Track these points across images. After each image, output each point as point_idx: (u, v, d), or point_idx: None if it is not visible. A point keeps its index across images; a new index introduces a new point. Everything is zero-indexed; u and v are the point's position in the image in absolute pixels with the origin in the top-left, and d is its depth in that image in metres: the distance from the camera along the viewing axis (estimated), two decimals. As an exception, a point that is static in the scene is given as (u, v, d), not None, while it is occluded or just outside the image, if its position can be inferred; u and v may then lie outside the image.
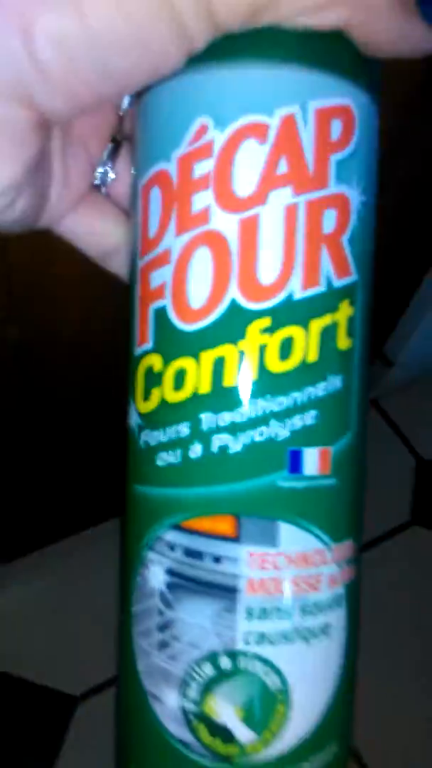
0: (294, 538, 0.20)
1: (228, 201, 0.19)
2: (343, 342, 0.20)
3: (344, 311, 0.20)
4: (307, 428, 0.20)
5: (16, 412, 0.57)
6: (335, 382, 0.20)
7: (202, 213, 0.20)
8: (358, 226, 0.20)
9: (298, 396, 0.20)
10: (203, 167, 0.20)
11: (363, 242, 0.21)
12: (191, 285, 0.20)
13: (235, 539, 0.20)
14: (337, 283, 0.20)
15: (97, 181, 0.25)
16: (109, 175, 0.25)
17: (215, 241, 0.20)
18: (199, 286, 0.20)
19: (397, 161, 0.53)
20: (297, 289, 0.20)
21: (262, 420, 0.20)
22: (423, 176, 0.59)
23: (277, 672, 0.20)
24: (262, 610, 0.20)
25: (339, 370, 0.20)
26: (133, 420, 0.22)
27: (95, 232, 0.25)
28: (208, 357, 0.20)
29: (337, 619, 0.21)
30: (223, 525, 0.20)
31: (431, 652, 0.74)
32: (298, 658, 0.20)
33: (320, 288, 0.20)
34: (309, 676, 0.21)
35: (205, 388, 0.20)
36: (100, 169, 0.25)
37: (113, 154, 0.25)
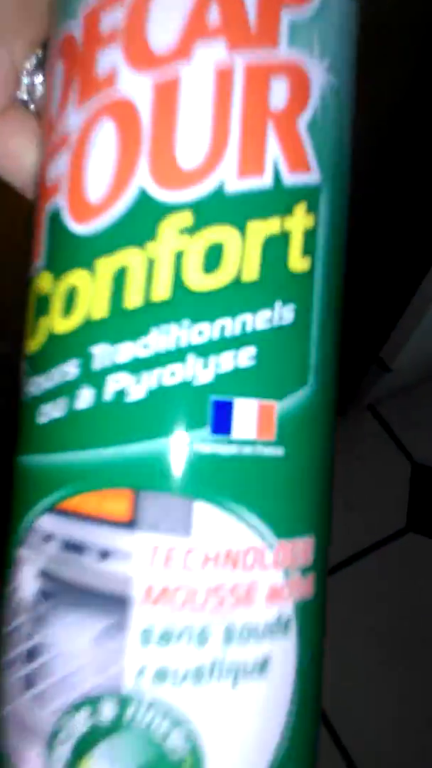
0: (215, 527, 0.14)
1: (140, 57, 0.15)
2: (296, 261, 0.15)
3: (299, 220, 0.15)
4: (241, 372, 0.14)
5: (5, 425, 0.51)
6: (284, 313, 0.15)
7: (107, 76, 0.15)
8: (323, 112, 0.15)
9: (229, 324, 0.14)
10: (112, 19, 0.15)
11: (332, 135, 0.16)
12: (90, 173, 0.15)
13: (129, 524, 0.14)
14: (290, 178, 0.15)
15: (23, 95, 0.21)
16: (37, 88, 0.21)
17: (122, 112, 0.15)
18: (99, 174, 0.15)
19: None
20: (230, 177, 0.14)
21: (175, 355, 0.14)
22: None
23: (184, 726, 0.14)
24: (163, 634, 0.14)
25: (290, 298, 0.15)
26: (23, 368, 0.17)
27: (10, 153, 0.20)
28: (105, 267, 0.14)
29: (281, 651, 0.15)
30: (114, 504, 0.14)
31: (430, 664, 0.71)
32: (217, 706, 0.14)
33: (264, 181, 0.15)
34: (235, 733, 0.14)
35: (100, 311, 0.14)
36: (26, 80, 0.21)
37: (42, 64, 0.21)
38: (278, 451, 0.15)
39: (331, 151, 0.16)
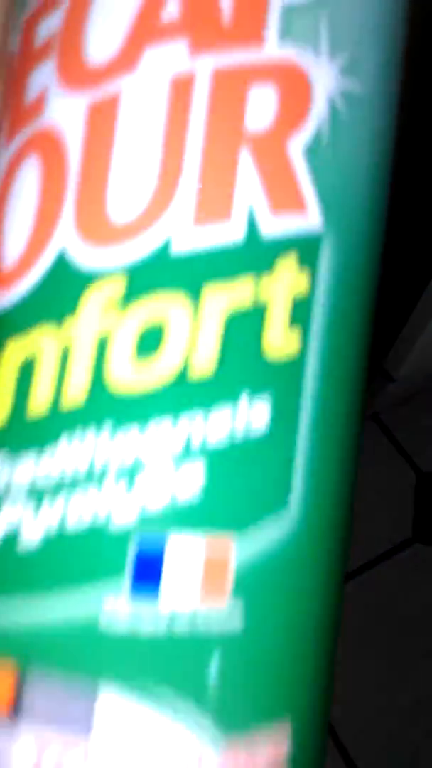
0: (127, 722, 0.10)
1: (73, 72, 0.11)
2: (278, 338, 0.10)
3: (286, 279, 0.10)
4: (178, 506, 0.10)
5: None
6: (253, 418, 0.10)
7: (37, 100, 0.11)
8: (333, 129, 0.11)
9: (163, 442, 0.10)
10: (49, 26, 0.12)
11: (347, 161, 0.11)
12: (9, 225, 0.12)
13: (10, 714, 0.10)
14: (272, 225, 0.10)
15: None
16: None
17: (48, 145, 0.11)
18: (16, 231, 0.11)
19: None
20: (180, 229, 0.10)
21: (87, 480, 0.10)
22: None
23: None
24: None
25: (263, 391, 0.10)
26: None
27: None
28: (13, 354, 0.11)
29: None
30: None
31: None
32: None
33: (230, 232, 0.10)
34: None
35: (1, 411, 0.11)
36: None
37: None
38: (233, 623, 0.10)
39: (346, 182, 0.11)
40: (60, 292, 0.10)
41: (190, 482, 0.10)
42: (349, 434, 0.11)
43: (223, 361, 0.10)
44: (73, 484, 0.10)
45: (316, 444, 0.11)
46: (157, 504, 0.10)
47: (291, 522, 0.10)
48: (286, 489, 0.10)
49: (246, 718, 0.10)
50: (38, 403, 0.10)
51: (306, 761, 0.11)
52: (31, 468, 0.10)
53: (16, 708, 0.10)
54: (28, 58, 0.11)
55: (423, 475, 0.86)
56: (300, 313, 0.10)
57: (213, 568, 0.10)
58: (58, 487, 0.10)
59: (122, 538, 0.10)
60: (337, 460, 0.11)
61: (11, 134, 0.12)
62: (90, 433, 0.10)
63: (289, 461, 0.10)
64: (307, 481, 0.11)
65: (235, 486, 0.10)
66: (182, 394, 0.10)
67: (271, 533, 0.10)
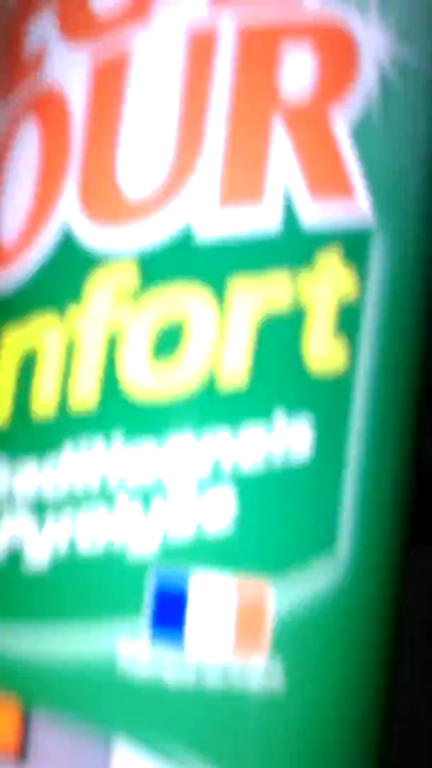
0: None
1: (75, 24, 0.09)
2: (322, 347, 0.09)
3: (329, 277, 0.09)
4: (205, 539, 0.09)
5: None
6: (293, 442, 0.09)
7: (36, 53, 0.10)
8: (385, 103, 0.09)
9: (185, 461, 0.09)
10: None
11: (400, 143, 0.10)
12: (8, 196, 0.10)
13: (17, 761, 0.08)
14: (313, 213, 0.09)
15: None
16: None
17: (48, 108, 0.10)
18: (17, 199, 0.10)
19: None
20: (203, 211, 0.09)
21: (98, 497, 0.09)
22: None
23: None
24: None
25: (304, 409, 0.09)
26: None
27: None
28: (13, 344, 0.09)
29: None
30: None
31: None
32: None
33: (263, 218, 0.09)
34: None
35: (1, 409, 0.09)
36: None
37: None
38: (272, 682, 0.09)
39: (401, 166, 0.10)
40: (63, 275, 0.09)
41: (219, 511, 0.08)
42: (404, 463, 0.10)
43: (256, 369, 0.08)
44: (81, 499, 0.08)
45: (368, 474, 0.09)
46: (180, 533, 0.08)
47: (338, 567, 0.09)
48: (333, 527, 0.09)
49: None
50: (42, 403, 0.09)
51: None
52: (34, 476, 0.08)
53: (22, 755, 0.08)
54: (26, 5, 0.10)
55: (424, 471, 0.87)
56: (347, 318, 0.09)
57: (247, 615, 0.08)
58: (63, 502, 0.08)
59: (140, 570, 0.08)
60: (391, 494, 0.09)
61: (8, 91, 0.10)
62: (99, 441, 0.08)
63: (336, 494, 0.09)
64: (358, 519, 0.09)
65: (271, 520, 0.08)
66: (209, 407, 0.08)
67: (315, 579, 0.09)
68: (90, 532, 0.08)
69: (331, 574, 0.09)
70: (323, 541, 0.09)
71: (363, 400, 0.09)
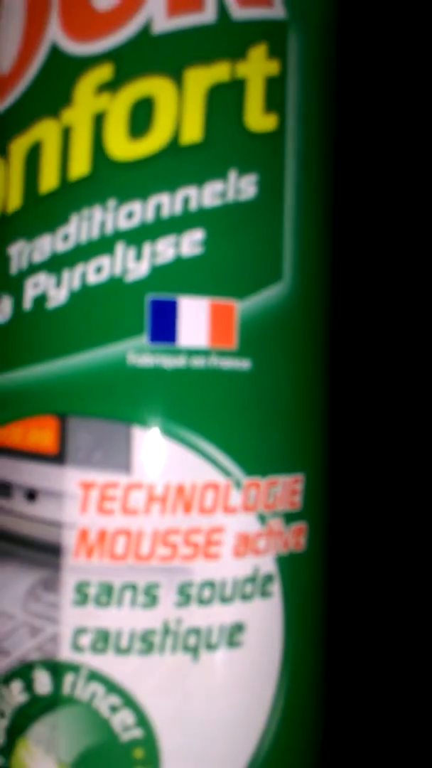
0: (162, 459, 0.11)
1: None
2: (256, 117, 0.12)
3: (257, 64, 0.12)
4: (186, 263, 0.11)
5: None
6: (243, 185, 0.12)
7: None
8: None
9: (166, 201, 0.11)
10: None
11: None
12: (3, 34, 0.12)
13: (56, 458, 0.11)
14: (240, 11, 0.12)
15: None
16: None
17: None
18: (9, 30, 0.12)
19: None
20: (158, 13, 0.11)
21: (100, 246, 0.11)
22: None
23: (133, 707, 0.11)
24: (103, 590, 0.11)
25: (250, 166, 0.12)
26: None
27: None
28: (18, 148, 0.12)
29: (260, 616, 0.12)
30: (39, 434, 0.12)
31: None
32: (173, 682, 0.11)
33: (204, 15, 0.12)
34: (198, 718, 0.11)
35: (14, 200, 0.12)
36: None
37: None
38: (243, 364, 0.11)
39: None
40: (54, 83, 0.11)
41: (191, 242, 0.11)
42: (327, 210, 0.13)
43: (208, 131, 0.11)
44: (87, 250, 0.11)
45: (301, 212, 0.12)
46: (164, 259, 0.11)
47: (285, 286, 0.12)
48: (279, 260, 0.12)
49: (262, 462, 0.12)
50: (48, 179, 0.11)
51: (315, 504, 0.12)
52: (48, 243, 0.11)
53: (61, 450, 0.11)
54: None
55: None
56: (274, 92, 0.12)
57: (219, 320, 0.11)
58: (74, 255, 0.11)
59: (138, 290, 0.11)
60: (320, 230, 0.12)
61: None
62: (97, 204, 0.11)
63: (280, 229, 0.12)
64: (296, 248, 0.12)
65: (233, 246, 0.11)
66: (175, 162, 0.11)
67: (267, 295, 0.12)
68: (97, 273, 0.11)
69: (281, 291, 0.12)
70: (273, 269, 0.12)
71: (295, 151, 0.12)
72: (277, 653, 0.12)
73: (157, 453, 0.11)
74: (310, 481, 0.12)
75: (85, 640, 0.11)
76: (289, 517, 0.12)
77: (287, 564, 0.12)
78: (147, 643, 0.11)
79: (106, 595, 0.11)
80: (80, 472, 0.11)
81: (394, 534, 0.19)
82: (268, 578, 0.12)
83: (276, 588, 0.12)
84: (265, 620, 0.12)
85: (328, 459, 0.13)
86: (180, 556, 0.11)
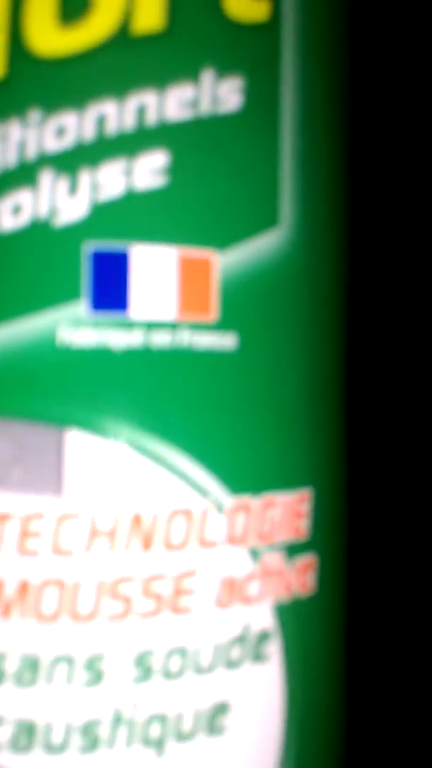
0: (109, 477, 0.08)
1: None
2: (239, 1, 0.09)
3: None
4: (141, 199, 0.08)
5: None
6: (221, 92, 0.08)
7: None
8: None
9: (112, 112, 0.08)
10: None
11: None
12: None
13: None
14: None
15: None
16: None
17: None
18: None
19: None
20: None
21: (19, 174, 0.08)
22: None
23: None
24: (26, 664, 0.08)
25: (230, 65, 0.08)
26: None
27: None
28: None
29: (249, 693, 0.09)
30: None
31: None
32: None
33: None
34: None
35: None
36: None
37: None
38: (225, 341, 0.08)
39: None
40: None
41: (149, 169, 0.08)
42: (341, 133, 0.10)
43: (174, 12, 0.08)
44: (1, 183, 0.08)
45: (304, 136, 0.09)
46: (111, 192, 0.08)
47: (284, 233, 0.09)
48: (274, 198, 0.09)
49: (254, 477, 0.09)
50: None
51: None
52: None
53: None
54: None
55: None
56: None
57: (191, 280, 0.08)
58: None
59: (73, 238, 0.08)
60: (333, 158, 0.09)
61: None
62: (13, 116, 0.08)
63: (274, 154, 0.08)
64: (300, 184, 0.09)
65: (209, 178, 0.08)
66: (124, 59, 0.08)
67: (259, 246, 0.08)
68: (15, 214, 0.08)
69: (278, 241, 0.08)
70: (267, 210, 0.08)
71: (292, 51, 0.08)
72: (276, 741, 0.09)
73: (102, 468, 0.08)
74: (320, 498, 0.09)
75: (2, 735, 0.08)
76: (293, 550, 0.09)
77: (290, 614, 0.09)
78: (90, 737, 0.08)
79: (31, 671, 0.08)
80: (-6, 495, 0.08)
81: (429, 569, 0.16)
82: (264, 636, 0.08)
83: (274, 649, 0.09)
84: (258, 695, 0.08)
85: (343, 470, 0.10)
86: (137, 613, 0.08)
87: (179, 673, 0.08)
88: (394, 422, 0.16)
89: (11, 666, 0.08)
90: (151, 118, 0.08)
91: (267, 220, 0.08)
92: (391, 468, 0.16)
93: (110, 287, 0.08)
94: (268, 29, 0.08)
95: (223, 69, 0.08)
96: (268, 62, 0.08)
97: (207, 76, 0.08)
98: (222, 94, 0.08)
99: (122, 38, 0.08)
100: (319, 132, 0.09)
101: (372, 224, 0.16)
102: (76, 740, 0.08)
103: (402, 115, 0.16)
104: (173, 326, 0.08)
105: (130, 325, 0.08)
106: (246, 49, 0.08)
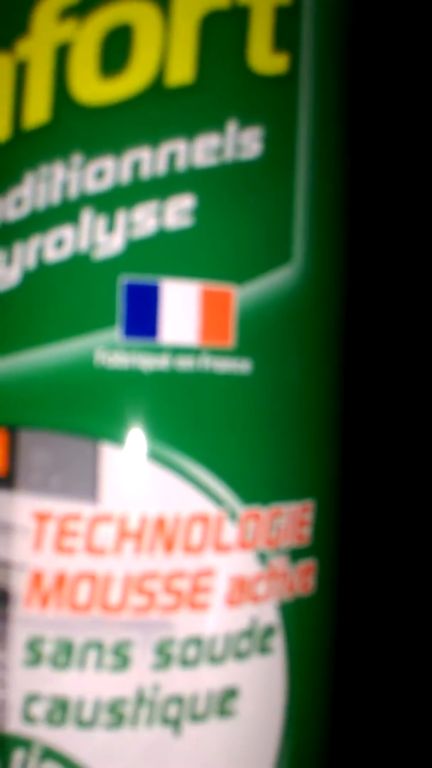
0: (137, 486, 0.09)
1: None
2: (261, 56, 0.09)
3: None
4: (171, 237, 0.09)
5: None
6: (245, 141, 0.09)
7: None
8: None
9: (146, 157, 0.09)
10: None
11: None
12: None
13: (5, 481, 0.09)
14: None
15: None
16: None
17: None
18: None
19: None
20: None
21: (62, 213, 0.09)
22: None
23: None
24: (61, 648, 0.09)
25: (254, 116, 0.09)
26: None
27: None
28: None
29: (256, 681, 0.10)
30: (-16, 450, 0.09)
31: None
32: (149, 766, 0.09)
33: None
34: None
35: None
36: None
37: None
38: (242, 366, 0.09)
39: None
40: (6, 7, 0.09)
41: (178, 210, 0.09)
42: (347, 177, 0.10)
43: (202, 69, 0.09)
44: (46, 220, 0.09)
45: (317, 178, 0.10)
46: (144, 231, 0.09)
47: (296, 269, 0.09)
48: (289, 237, 0.09)
49: (263, 488, 0.09)
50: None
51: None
52: None
53: (10, 471, 0.09)
54: None
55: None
56: (286, 25, 0.09)
57: (213, 311, 0.09)
58: (29, 225, 0.09)
59: (110, 271, 0.09)
60: (339, 200, 0.10)
61: None
62: (58, 160, 0.09)
63: (290, 198, 0.09)
64: (310, 223, 0.10)
65: (231, 219, 0.09)
66: (158, 108, 0.09)
67: (274, 280, 0.09)
68: (57, 248, 0.09)
69: (291, 276, 0.09)
70: (282, 248, 0.09)
71: (308, 102, 0.09)
72: (278, 723, 0.10)
73: (132, 477, 0.09)
74: (322, 509, 0.10)
75: (39, 710, 0.09)
76: (296, 554, 0.10)
77: (292, 612, 0.10)
78: (116, 714, 0.09)
79: (65, 654, 0.09)
80: (34, 499, 0.09)
81: (422, 573, 0.17)
82: (269, 631, 0.09)
83: (278, 642, 0.10)
84: (264, 683, 0.09)
85: (340, 484, 0.11)
86: (159, 607, 0.09)
87: (195, 661, 0.09)
88: (386, 439, 0.17)
89: (48, 649, 0.09)
90: (181, 164, 0.09)
91: (281, 256, 0.09)
92: (382, 483, 0.17)
93: (141, 316, 0.09)
94: (287, 81, 0.09)
95: (246, 119, 0.09)
96: (287, 111, 0.09)
97: (231, 126, 0.09)
98: (244, 142, 0.09)
99: (157, 89, 0.09)
100: (328, 173, 0.10)
101: (370, 258, 0.17)
102: (104, 717, 0.09)
103: (399, 155, 0.17)
104: (196, 352, 0.09)
105: (158, 350, 0.09)
106: (267, 100, 0.09)
